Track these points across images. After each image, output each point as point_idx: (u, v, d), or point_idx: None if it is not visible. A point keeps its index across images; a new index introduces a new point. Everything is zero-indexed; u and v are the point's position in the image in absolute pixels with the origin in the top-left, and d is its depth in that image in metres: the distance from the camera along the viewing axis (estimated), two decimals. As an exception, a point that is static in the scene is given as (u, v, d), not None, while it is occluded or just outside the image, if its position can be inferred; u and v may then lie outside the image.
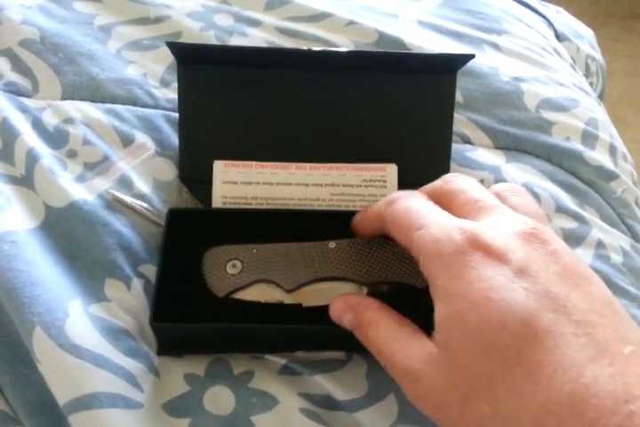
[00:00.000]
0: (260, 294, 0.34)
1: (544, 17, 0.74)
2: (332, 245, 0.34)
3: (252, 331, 0.35)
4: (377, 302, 0.30)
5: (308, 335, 0.36)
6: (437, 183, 0.32)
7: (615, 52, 2.14)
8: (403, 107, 0.43)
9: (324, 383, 0.36)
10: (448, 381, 0.24)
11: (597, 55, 0.81)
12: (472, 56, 0.43)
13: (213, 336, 0.36)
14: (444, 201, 0.30)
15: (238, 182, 0.42)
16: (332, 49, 0.47)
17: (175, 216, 0.39)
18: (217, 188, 0.42)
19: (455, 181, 0.31)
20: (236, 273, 0.34)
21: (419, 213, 0.28)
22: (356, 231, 0.34)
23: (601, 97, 0.83)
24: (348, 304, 0.30)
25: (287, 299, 0.34)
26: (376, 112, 0.43)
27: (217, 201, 0.42)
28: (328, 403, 0.35)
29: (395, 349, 0.27)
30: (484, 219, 0.27)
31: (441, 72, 0.43)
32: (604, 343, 0.22)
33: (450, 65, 0.43)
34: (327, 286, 0.33)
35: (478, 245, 0.25)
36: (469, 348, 0.23)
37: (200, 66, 0.42)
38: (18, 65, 0.52)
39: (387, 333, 0.28)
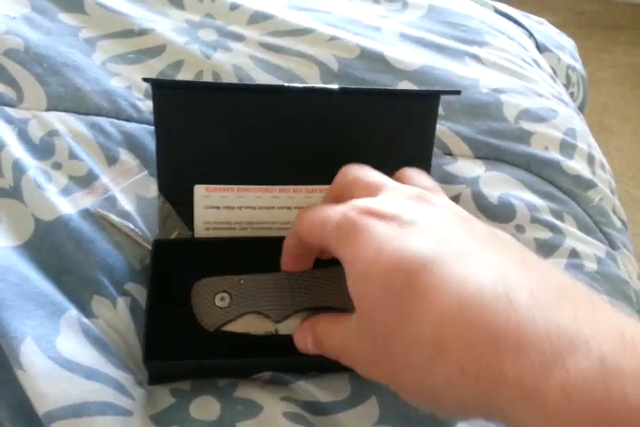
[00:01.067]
0: (249, 326, 0.34)
1: (525, 28, 0.76)
2: (317, 273, 0.34)
3: (244, 364, 0.36)
4: (325, 314, 0.32)
5: (299, 364, 0.37)
6: (336, 179, 0.34)
7: (600, 62, 2.17)
8: (384, 129, 0.44)
9: (308, 388, 0.36)
10: (367, 338, 0.26)
11: (578, 65, 0.83)
12: (458, 92, 0.44)
13: (205, 369, 0.37)
14: (347, 194, 0.31)
15: (220, 207, 0.42)
16: (315, 86, 0.48)
17: (161, 248, 0.39)
18: (199, 213, 0.42)
19: (349, 172, 0.33)
20: (225, 306, 0.34)
21: (320, 215, 0.30)
22: (287, 259, 0.35)
23: (582, 106, 0.84)
24: (306, 330, 0.32)
25: (276, 329, 0.34)
26: (358, 134, 0.43)
27: (199, 227, 0.42)
28: (312, 406, 0.36)
29: (333, 342, 0.30)
30: (379, 195, 0.30)
31: (425, 98, 0.43)
32: (486, 262, 0.24)
33: (434, 94, 0.44)
34: (314, 314, 0.34)
35: (370, 213, 0.27)
36: (375, 300, 0.25)
37: (176, 90, 0.41)
38: (2, 75, 0.52)
39: (333, 333, 0.30)
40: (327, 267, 0.35)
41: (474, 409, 0.23)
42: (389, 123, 0.44)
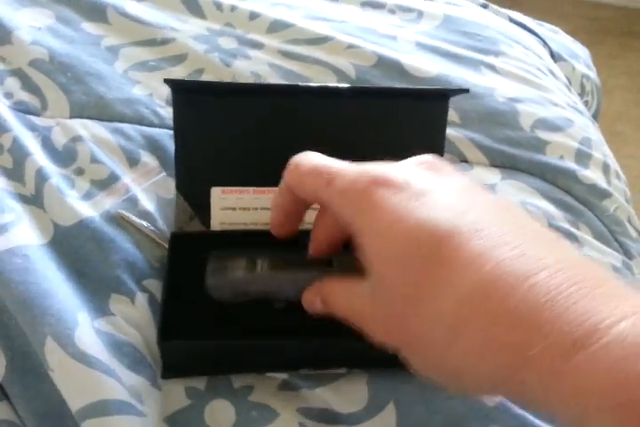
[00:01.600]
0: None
1: (540, 37, 0.76)
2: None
3: (257, 347, 0.36)
4: (334, 276, 0.31)
5: (311, 350, 0.37)
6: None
7: (613, 69, 2.17)
8: (397, 131, 0.45)
9: (324, 396, 0.37)
10: (382, 304, 0.26)
11: (592, 74, 0.83)
12: (466, 90, 0.45)
13: (218, 354, 0.37)
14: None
15: (236, 208, 0.43)
16: (328, 85, 0.49)
17: (178, 239, 0.40)
18: (215, 214, 0.43)
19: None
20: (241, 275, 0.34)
21: (324, 167, 0.29)
22: (276, 216, 0.35)
23: (596, 115, 0.85)
24: (314, 289, 0.31)
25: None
26: (371, 136, 0.45)
27: (215, 227, 0.43)
28: (327, 417, 0.36)
29: (342, 301, 0.29)
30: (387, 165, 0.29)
31: (434, 99, 0.44)
32: (503, 237, 0.24)
33: (443, 94, 0.45)
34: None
35: (380, 183, 0.27)
36: (394, 269, 0.25)
37: (195, 96, 0.43)
38: (27, 84, 0.54)
39: (338, 293, 0.30)
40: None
41: (493, 388, 0.23)
42: (400, 124, 0.45)
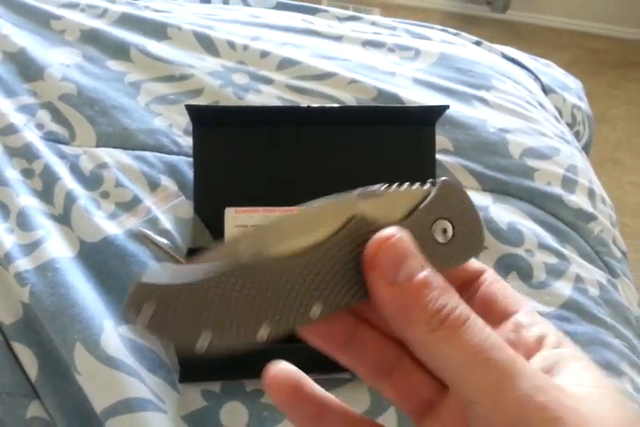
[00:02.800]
0: None
1: (531, 72, 0.81)
2: None
3: (269, 352, 0.40)
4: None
5: (320, 354, 0.40)
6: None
7: (613, 99, 2.22)
8: (391, 155, 0.50)
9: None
10: None
11: (584, 105, 0.88)
12: (447, 107, 0.50)
13: (231, 359, 0.41)
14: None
15: (248, 226, 0.48)
16: (325, 105, 0.54)
17: (194, 254, 0.45)
18: (229, 231, 0.47)
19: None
20: None
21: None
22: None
23: (588, 143, 0.89)
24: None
25: None
26: (367, 161, 0.50)
27: None
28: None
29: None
30: None
31: (422, 124, 0.49)
32: None
33: (429, 116, 0.50)
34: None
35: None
36: None
37: (213, 128, 0.48)
38: (57, 116, 0.59)
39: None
40: None
41: None
42: (393, 148, 0.50)
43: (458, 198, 0.21)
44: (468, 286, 0.22)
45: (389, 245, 0.19)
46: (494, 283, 0.22)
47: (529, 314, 0.21)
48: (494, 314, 0.21)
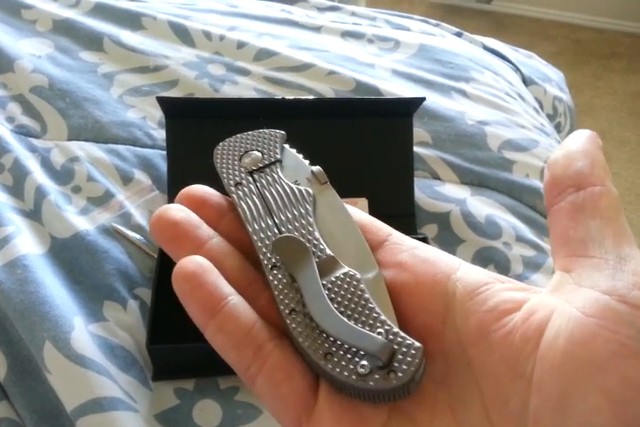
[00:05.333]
0: None
1: (512, 63, 0.81)
2: None
3: None
4: None
5: None
6: None
7: (597, 90, 2.23)
8: (368, 147, 0.49)
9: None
10: None
11: (565, 96, 0.88)
12: (423, 99, 0.49)
13: (205, 357, 0.40)
14: None
15: None
16: (301, 97, 0.53)
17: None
18: None
19: None
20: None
21: None
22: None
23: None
24: None
25: None
26: (346, 153, 0.49)
27: None
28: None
29: None
30: None
31: (399, 116, 0.49)
32: None
33: (406, 108, 0.49)
34: None
35: None
36: None
37: (185, 120, 0.47)
38: (28, 109, 0.58)
39: None
40: None
41: None
42: (372, 140, 0.50)
43: None
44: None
45: None
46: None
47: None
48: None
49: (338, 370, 0.18)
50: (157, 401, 0.39)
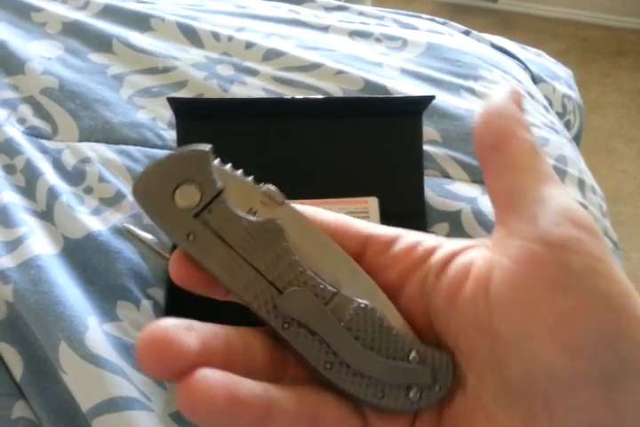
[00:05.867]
0: None
1: (521, 61, 0.81)
2: None
3: None
4: None
5: None
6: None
7: (605, 87, 2.22)
8: (378, 146, 0.49)
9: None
10: None
11: (574, 94, 0.87)
12: (433, 97, 0.49)
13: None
14: None
15: None
16: (310, 97, 0.53)
17: None
18: None
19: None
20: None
21: None
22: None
23: (579, 133, 0.89)
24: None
25: None
26: (356, 152, 0.49)
27: None
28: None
29: None
30: None
31: (408, 114, 0.49)
32: None
33: (415, 107, 0.49)
34: None
35: None
36: None
37: (196, 120, 0.47)
38: (39, 111, 0.58)
39: None
40: None
41: None
42: (381, 139, 0.50)
43: None
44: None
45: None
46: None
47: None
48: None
49: (394, 404, 0.19)
50: (172, 400, 0.39)
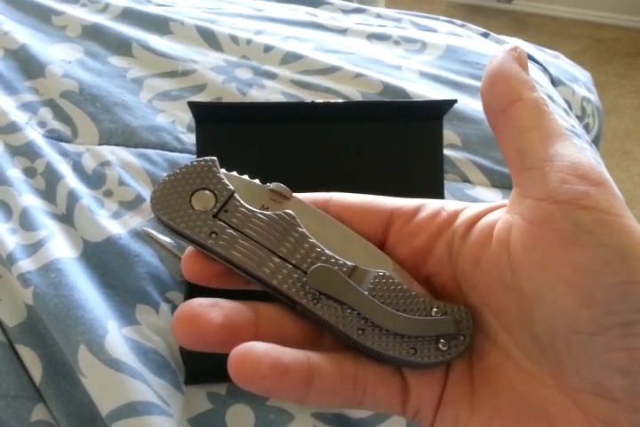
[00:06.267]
0: None
1: (540, 64, 0.80)
2: None
3: None
4: None
5: None
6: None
7: (621, 88, 2.19)
8: (398, 151, 0.49)
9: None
10: None
11: (593, 97, 0.86)
12: (454, 101, 0.48)
13: None
14: None
15: None
16: (330, 101, 0.53)
17: None
18: None
19: None
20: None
21: None
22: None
23: (598, 136, 0.88)
24: None
25: None
26: (375, 156, 0.49)
27: None
28: (340, 421, 0.39)
29: None
30: None
31: (429, 119, 0.48)
32: None
33: (436, 111, 0.48)
34: None
35: None
36: None
37: (215, 124, 0.47)
38: (59, 114, 0.58)
39: None
40: None
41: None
42: (401, 144, 0.49)
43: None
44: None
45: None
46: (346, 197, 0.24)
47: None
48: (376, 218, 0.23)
49: (427, 357, 0.20)
50: (190, 406, 0.39)
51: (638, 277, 0.17)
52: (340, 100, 0.57)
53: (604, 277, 0.18)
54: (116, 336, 0.40)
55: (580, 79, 0.86)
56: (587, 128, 0.82)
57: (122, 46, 0.65)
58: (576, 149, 0.20)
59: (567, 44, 2.27)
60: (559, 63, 0.86)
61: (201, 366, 0.40)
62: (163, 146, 0.55)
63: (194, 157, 0.54)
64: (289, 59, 0.64)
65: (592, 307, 0.18)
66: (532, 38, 0.99)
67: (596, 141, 0.84)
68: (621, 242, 0.18)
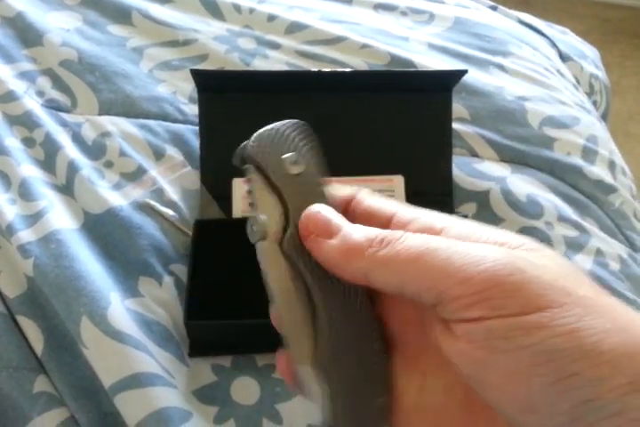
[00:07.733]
0: None
1: (549, 38, 0.78)
2: None
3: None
4: None
5: None
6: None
7: (625, 69, 2.16)
8: (406, 123, 0.48)
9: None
10: None
11: (601, 74, 0.85)
12: (465, 71, 0.47)
13: (241, 333, 0.40)
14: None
15: None
16: (337, 70, 0.52)
17: (201, 226, 0.43)
18: (237, 202, 0.46)
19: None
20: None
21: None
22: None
23: (605, 114, 0.86)
24: None
25: None
26: (382, 129, 0.47)
27: (237, 214, 0.46)
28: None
29: None
30: None
31: (438, 90, 0.47)
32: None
33: (445, 82, 0.47)
34: None
35: None
36: None
37: (219, 93, 0.46)
38: (58, 83, 0.57)
39: None
40: None
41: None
42: (409, 116, 0.48)
43: None
44: (347, 210, 0.24)
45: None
46: (367, 198, 0.24)
47: (407, 211, 0.23)
48: (378, 223, 0.23)
49: None
50: (195, 378, 0.39)
51: (571, 370, 0.17)
52: (348, 70, 0.56)
53: (535, 380, 0.17)
54: (119, 308, 0.39)
55: (589, 56, 0.84)
56: (594, 105, 0.80)
57: (122, 15, 0.63)
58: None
59: (573, 23, 2.23)
60: (567, 39, 0.84)
61: (205, 339, 0.40)
62: (164, 117, 0.54)
63: (196, 128, 0.53)
64: (293, 28, 0.62)
65: (534, 412, 0.17)
66: (537, 16, 0.97)
67: (603, 119, 0.83)
68: (541, 340, 0.17)
